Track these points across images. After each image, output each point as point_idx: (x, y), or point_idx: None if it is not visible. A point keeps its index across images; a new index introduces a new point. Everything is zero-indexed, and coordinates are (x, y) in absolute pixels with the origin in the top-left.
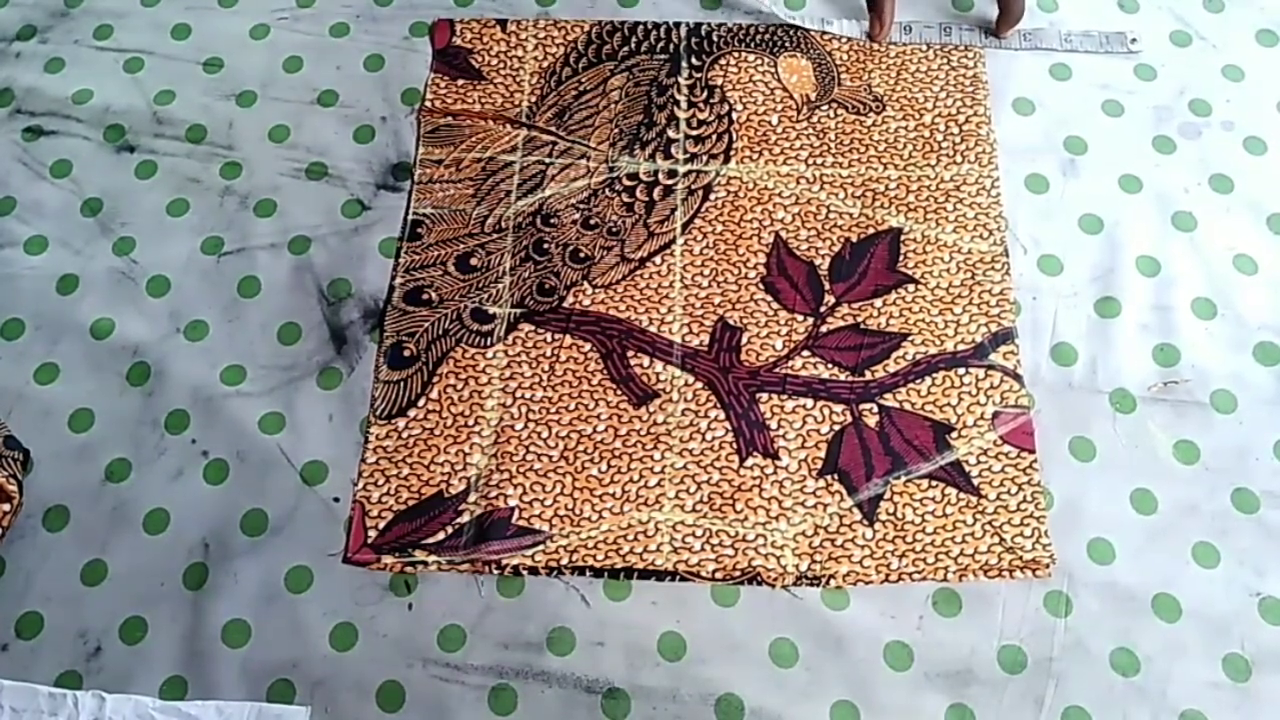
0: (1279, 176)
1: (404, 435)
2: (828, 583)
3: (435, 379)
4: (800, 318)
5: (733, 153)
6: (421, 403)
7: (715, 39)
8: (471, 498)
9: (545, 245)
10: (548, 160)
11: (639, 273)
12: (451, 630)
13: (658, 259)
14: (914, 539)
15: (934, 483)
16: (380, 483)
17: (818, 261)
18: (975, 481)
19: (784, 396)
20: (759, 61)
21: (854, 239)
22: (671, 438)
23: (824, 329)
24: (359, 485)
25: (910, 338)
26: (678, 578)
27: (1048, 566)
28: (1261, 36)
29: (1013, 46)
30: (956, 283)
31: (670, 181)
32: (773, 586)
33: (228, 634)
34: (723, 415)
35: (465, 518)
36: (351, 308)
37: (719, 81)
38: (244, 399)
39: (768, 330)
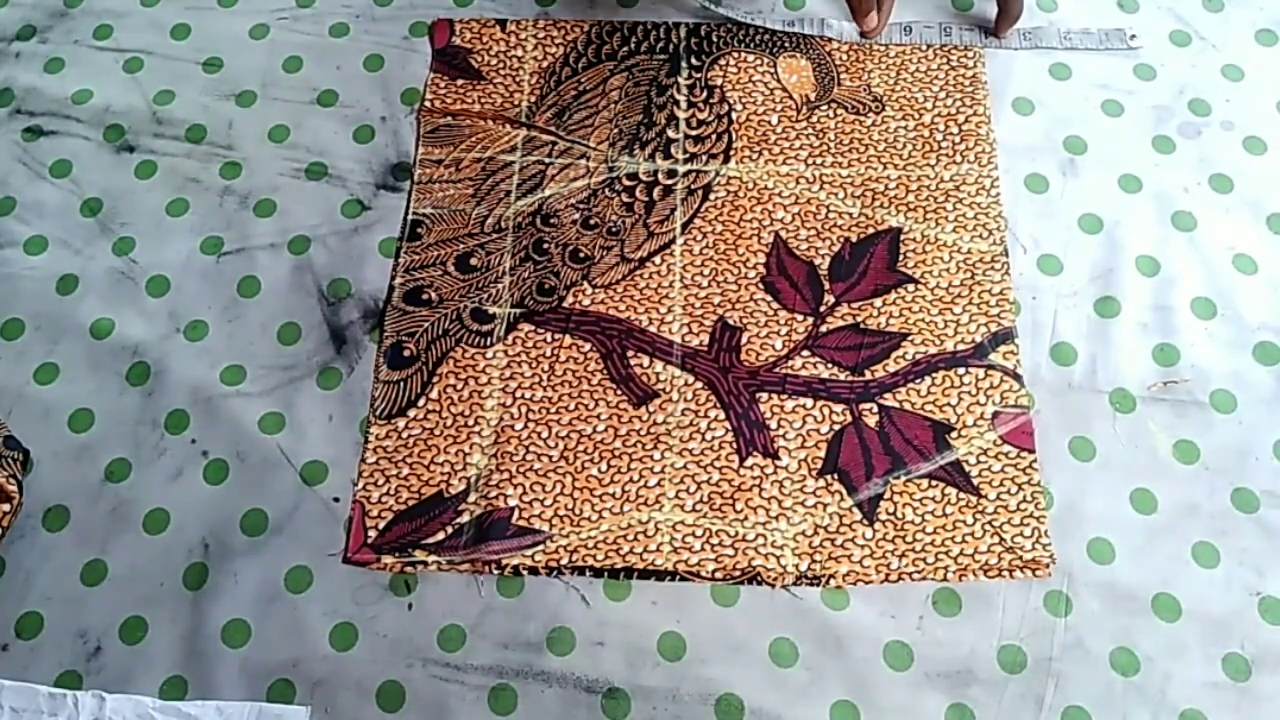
0: (1279, 176)
1: (404, 435)
2: (828, 582)
3: (435, 379)
4: (800, 317)
5: (732, 153)
6: (421, 403)
7: (715, 39)
8: (471, 498)
9: (545, 245)
10: (547, 160)
11: (639, 273)
12: (451, 630)
13: (657, 259)
14: (914, 539)
15: (934, 482)
16: (380, 483)
17: (817, 261)
18: (975, 481)
19: (784, 396)
20: (758, 62)
21: (854, 239)
22: (671, 438)
23: (824, 329)
24: (359, 485)
25: (910, 337)
26: (678, 578)
27: (1048, 566)
28: (1261, 36)
29: (1012, 46)
30: (956, 282)
31: (670, 181)
32: (773, 586)
33: (228, 634)
34: (722, 415)
35: (465, 518)
36: (351, 308)
37: (718, 81)
38: (244, 399)
39: (767, 330)
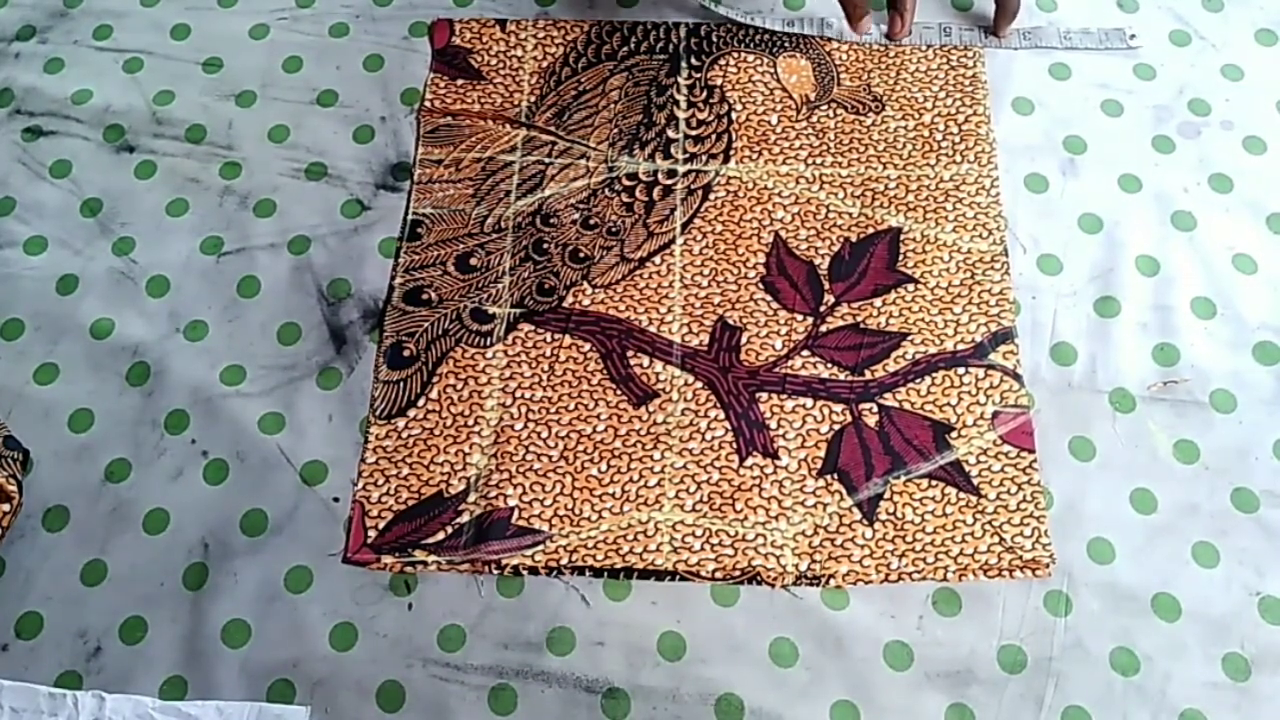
0: (1279, 176)
1: (404, 435)
2: (828, 582)
3: (435, 379)
4: (800, 317)
5: (732, 152)
6: (421, 403)
7: (715, 39)
8: (471, 498)
9: (545, 245)
10: (547, 160)
11: (638, 273)
12: (451, 630)
13: (657, 259)
14: (914, 539)
15: (934, 482)
16: (380, 483)
17: (817, 261)
18: (975, 481)
19: (784, 396)
20: (758, 62)
21: (853, 239)
22: (671, 438)
23: (823, 328)
24: (359, 485)
25: (910, 337)
26: (678, 578)
27: (1048, 566)
28: (1261, 36)
29: (1012, 45)
30: (956, 282)
31: (670, 181)
32: (773, 586)
33: (228, 634)
34: (722, 415)
35: (465, 518)
36: (351, 308)
37: (718, 81)
38: (244, 399)
39: (767, 330)
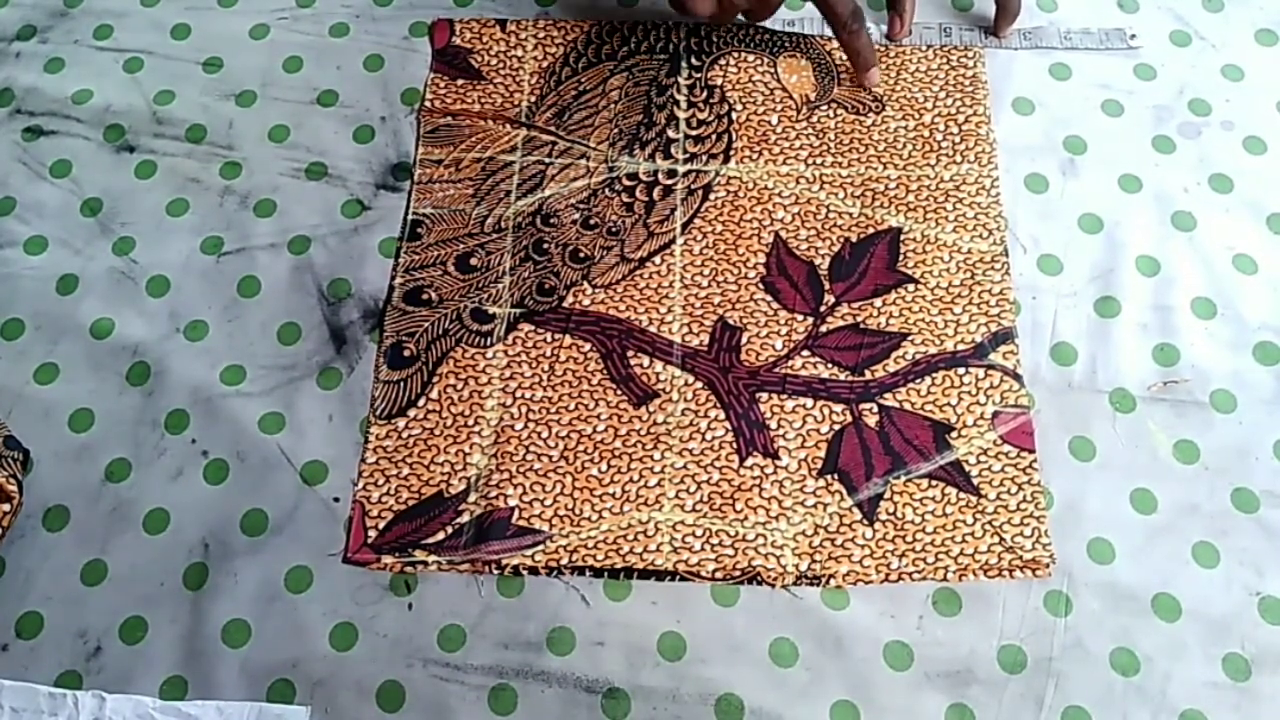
0: (1279, 176)
1: (404, 435)
2: (828, 582)
3: (435, 379)
4: (800, 317)
5: (732, 153)
6: (421, 403)
7: (715, 39)
8: (471, 498)
9: (545, 245)
10: (547, 160)
11: (639, 273)
12: (451, 630)
13: (657, 259)
14: (914, 539)
15: (934, 482)
16: (380, 483)
17: (817, 261)
18: (975, 481)
19: (784, 396)
20: (759, 62)
21: (854, 239)
22: (671, 438)
23: (824, 329)
24: (359, 485)
25: (910, 337)
26: (678, 578)
27: (1048, 566)
28: (1261, 36)
29: (1012, 45)
30: (956, 282)
31: (670, 181)
32: (773, 586)
33: (228, 634)
34: (722, 415)
35: (465, 518)
36: (351, 308)
37: (719, 81)
38: (244, 399)
39: (767, 330)
